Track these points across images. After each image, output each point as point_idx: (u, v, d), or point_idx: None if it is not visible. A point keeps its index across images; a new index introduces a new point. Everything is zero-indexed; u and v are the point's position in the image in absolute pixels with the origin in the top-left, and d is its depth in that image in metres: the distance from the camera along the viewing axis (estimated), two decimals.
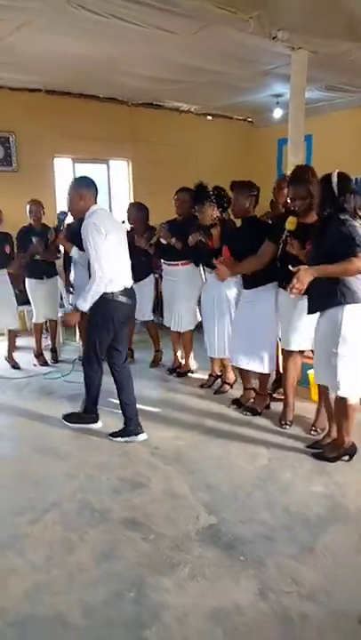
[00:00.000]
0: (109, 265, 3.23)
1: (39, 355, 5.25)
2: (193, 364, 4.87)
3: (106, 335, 3.40)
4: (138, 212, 4.95)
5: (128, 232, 4.91)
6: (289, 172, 4.60)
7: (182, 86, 6.15)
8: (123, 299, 3.35)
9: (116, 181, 7.32)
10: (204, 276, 4.47)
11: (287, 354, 3.60)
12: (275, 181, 4.30)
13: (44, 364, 5.20)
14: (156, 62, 5.13)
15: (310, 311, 3.06)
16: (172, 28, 4.06)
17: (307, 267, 2.84)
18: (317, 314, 3.04)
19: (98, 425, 3.67)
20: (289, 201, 3.35)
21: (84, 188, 3.35)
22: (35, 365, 5.17)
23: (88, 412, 3.69)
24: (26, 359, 5.30)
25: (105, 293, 3.27)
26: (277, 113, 7.04)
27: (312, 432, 3.50)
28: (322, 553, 2.38)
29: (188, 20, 3.87)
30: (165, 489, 2.92)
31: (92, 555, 2.40)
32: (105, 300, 3.28)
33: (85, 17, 3.77)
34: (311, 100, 6.16)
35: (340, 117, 7.19)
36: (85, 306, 3.27)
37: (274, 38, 4.20)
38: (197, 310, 4.61)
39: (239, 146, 8.34)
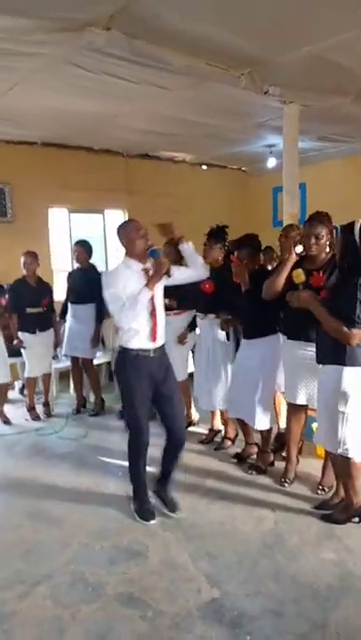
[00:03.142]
0: None
1: (31, 409, 5.08)
2: (195, 415, 4.69)
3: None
4: None
5: None
6: (285, 221, 4.63)
7: (177, 139, 6.26)
8: None
9: (112, 231, 7.34)
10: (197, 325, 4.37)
11: (291, 408, 3.46)
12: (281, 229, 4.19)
13: (37, 418, 5.02)
14: (150, 117, 5.22)
15: (317, 361, 2.95)
16: (166, 84, 4.14)
17: (313, 294, 2.85)
18: (321, 366, 2.93)
19: (152, 522, 3.07)
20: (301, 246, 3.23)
21: None
22: (27, 420, 5.00)
23: (140, 500, 3.17)
24: (18, 414, 5.13)
25: None
26: (271, 163, 7.15)
27: (319, 491, 3.32)
28: (335, 631, 2.20)
29: (181, 77, 3.94)
30: (164, 559, 2.72)
31: (85, 636, 2.20)
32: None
33: (79, 74, 3.84)
34: (304, 150, 6.26)
35: (333, 166, 7.32)
36: None
37: (266, 93, 4.29)
38: (190, 360, 4.49)
39: (234, 194, 8.45)
